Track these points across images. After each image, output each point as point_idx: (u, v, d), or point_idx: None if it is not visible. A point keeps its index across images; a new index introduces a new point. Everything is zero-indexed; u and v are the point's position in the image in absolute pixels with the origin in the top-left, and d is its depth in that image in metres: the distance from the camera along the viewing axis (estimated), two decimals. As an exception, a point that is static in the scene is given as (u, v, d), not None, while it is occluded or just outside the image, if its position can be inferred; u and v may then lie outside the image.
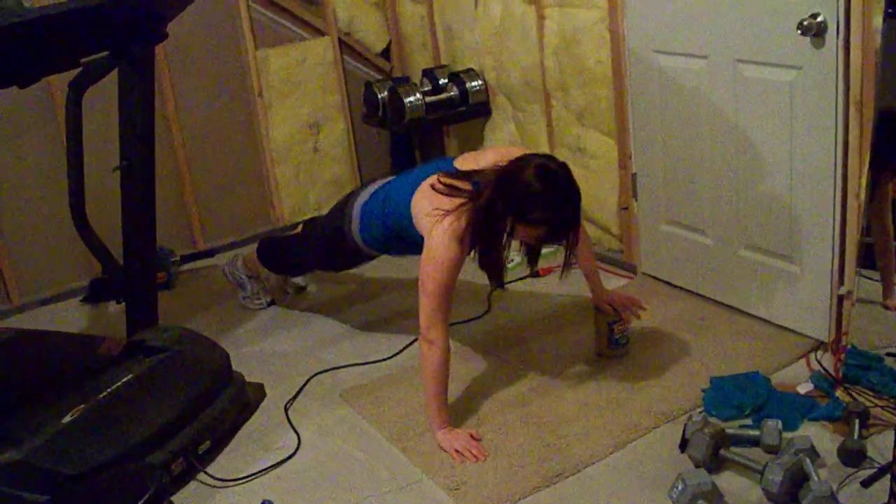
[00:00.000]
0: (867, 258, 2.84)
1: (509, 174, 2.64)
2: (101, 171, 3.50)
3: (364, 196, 3.13)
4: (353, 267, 3.59)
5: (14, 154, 3.94)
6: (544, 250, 3.30)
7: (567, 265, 2.77)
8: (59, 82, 3.80)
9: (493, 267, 2.78)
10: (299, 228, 3.73)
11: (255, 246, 3.79)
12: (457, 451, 2.64)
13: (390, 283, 3.96)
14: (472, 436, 2.71)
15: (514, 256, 3.59)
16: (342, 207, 3.21)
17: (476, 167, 2.80)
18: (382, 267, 4.06)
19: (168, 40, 3.12)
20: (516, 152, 2.79)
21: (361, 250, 3.19)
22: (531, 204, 2.59)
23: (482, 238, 2.71)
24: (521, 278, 3.74)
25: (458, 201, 2.70)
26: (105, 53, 3.01)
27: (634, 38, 3.34)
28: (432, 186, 2.77)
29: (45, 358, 3.17)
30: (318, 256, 3.49)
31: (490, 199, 2.64)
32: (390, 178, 3.16)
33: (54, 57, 2.88)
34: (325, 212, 4.67)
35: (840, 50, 2.62)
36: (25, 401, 2.75)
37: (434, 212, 2.70)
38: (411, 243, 2.88)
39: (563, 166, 2.65)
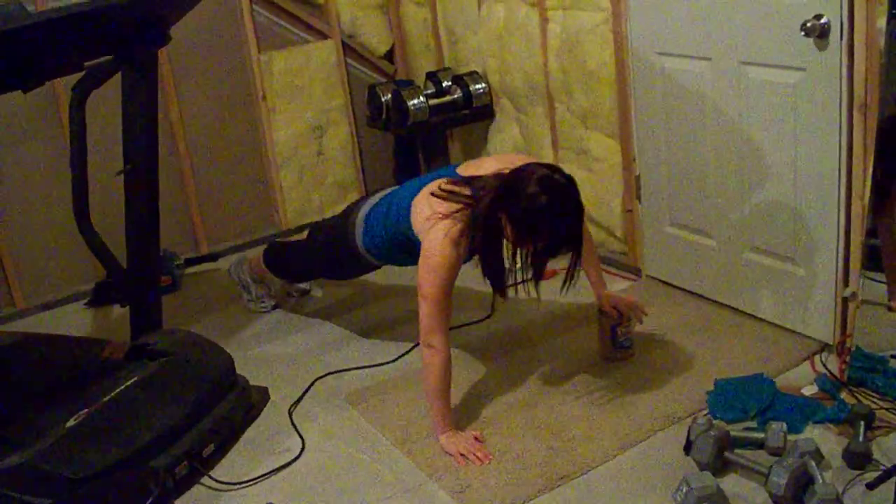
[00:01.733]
0: (872, 260, 2.84)
1: (513, 182, 2.60)
2: (105, 175, 3.50)
3: (370, 203, 3.13)
4: (355, 276, 3.56)
5: (18, 157, 3.95)
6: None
7: (570, 279, 2.74)
8: (63, 86, 3.81)
9: (494, 274, 2.73)
10: (305, 234, 3.73)
11: (261, 250, 3.78)
12: (461, 454, 2.64)
13: (394, 286, 3.95)
14: (475, 438, 2.71)
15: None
16: (347, 214, 3.21)
17: (478, 174, 2.78)
18: (386, 271, 4.06)
19: (171, 44, 3.12)
20: (520, 160, 2.76)
21: (363, 257, 3.16)
22: (533, 215, 2.54)
23: (482, 244, 2.67)
24: (522, 282, 3.69)
25: (455, 206, 2.68)
26: (109, 57, 3.02)
27: (638, 40, 3.34)
28: (431, 193, 2.76)
29: (49, 362, 3.17)
30: (321, 263, 3.48)
31: (490, 205, 2.61)
32: (396, 188, 3.15)
33: (58, 60, 2.88)
34: (329, 215, 4.70)
35: (844, 51, 2.62)
36: (29, 404, 2.76)
37: (431, 216, 2.70)
38: (412, 251, 2.84)
39: (569, 179, 2.61)
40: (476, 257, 2.75)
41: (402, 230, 2.88)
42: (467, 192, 2.70)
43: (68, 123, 3.25)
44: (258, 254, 3.78)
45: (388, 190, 3.16)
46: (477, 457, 2.62)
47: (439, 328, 2.66)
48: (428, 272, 2.66)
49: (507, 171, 2.68)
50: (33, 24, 2.40)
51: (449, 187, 2.74)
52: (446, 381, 2.70)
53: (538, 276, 2.69)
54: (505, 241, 2.68)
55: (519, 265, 2.72)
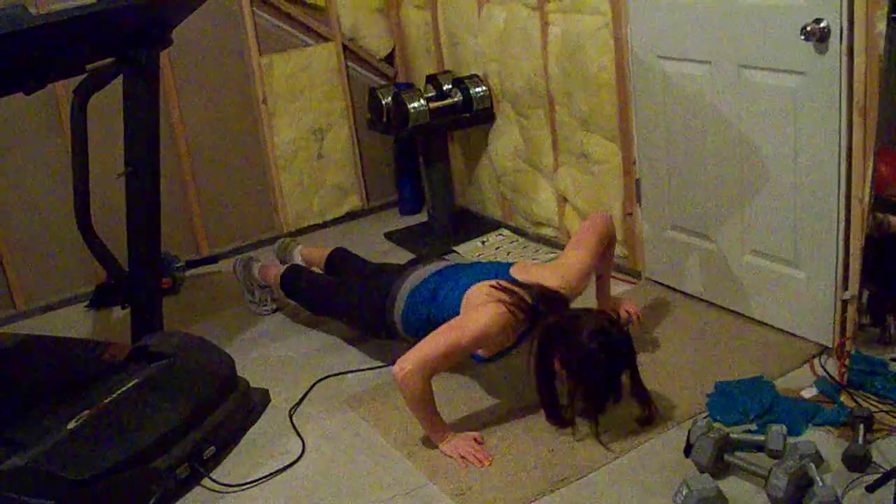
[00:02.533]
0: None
1: (568, 328, 2.62)
2: (107, 177, 3.51)
3: (414, 281, 3.06)
4: (371, 337, 3.41)
5: (19, 159, 3.95)
6: (548, 255, 3.25)
7: (649, 419, 2.72)
8: (65, 88, 3.82)
9: (546, 404, 2.73)
10: (325, 254, 3.70)
11: (277, 267, 3.74)
12: (461, 456, 2.64)
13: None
14: (475, 439, 2.71)
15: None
16: (389, 282, 3.13)
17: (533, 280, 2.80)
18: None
19: (173, 47, 3.13)
20: (572, 274, 2.84)
21: (394, 329, 3.11)
22: (586, 367, 2.58)
23: (535, 374, 2.69)
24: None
25: (514, 302, 2.69)
26: (110, 60, 3.02)
27: (638, 43, 3.35)
28: (491, 285, 2.75)
29: (50, 363, 3.18)
30: (343, 314, 3.40)
31: (543, 344, 2.64)
32: (441, 267, 3.11)
33: (60, 63, 2.89)
34: (329, 218, 4.70)
35: (844, 55, 2.62)
36: (30, 406, 2.76)
37: (489, 298, 2.70)
38: None
39: (625, 334, 2.65)
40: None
41: (445, 317, 2.81)
42: (528, 299, 2.71)
43: (70, 126, 3.26)
44: (276, 271, 3.69)
45: (438, 267, 3.12)
46: (477, 458, 2.62)
47: (424, 372, 2.62)
48: (463, 322, 2.67)
49: (563, 290, 2.76)
50: (36, 26, 2.40)
51: (511, 286, 2.74)
52: (428, 397, 2.67)
53: (590, 415, 2.68)
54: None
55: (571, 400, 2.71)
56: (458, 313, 2.79)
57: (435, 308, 2.91)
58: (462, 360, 2.80)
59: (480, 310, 2.68)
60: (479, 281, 2.83)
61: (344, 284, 3.43)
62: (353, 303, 3.28)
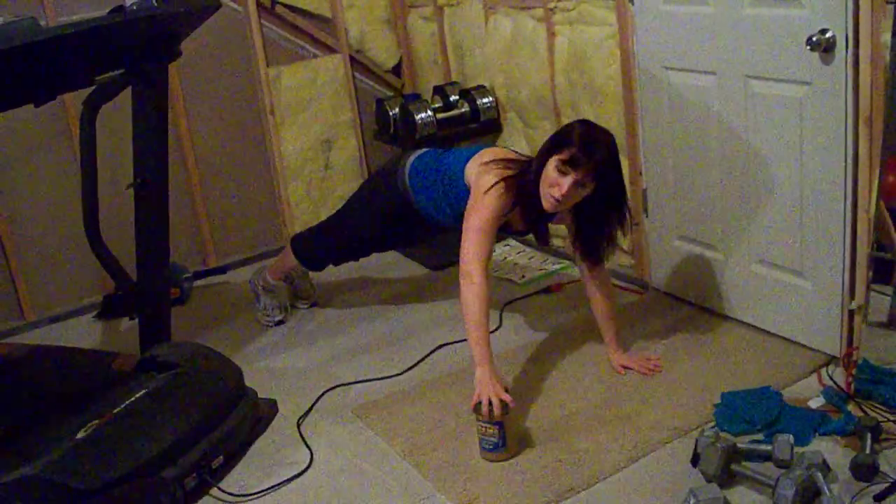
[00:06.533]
0: (878, 273, 2.85)
1: (557, 132, 2.90)
2: (115, 188, 3.52)
3: (415, 154, 3.35)
4: (391, 234, 3.60)
5: (29, 171, 3.97)
6: (554, 266, 3.28)
7: (625, 226, 3.01)
8: (74, 100, 3.84)
9: (537, 220, 3.01)
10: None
11: (285, 251, 3.79)
12: (479, 397, 2.67)
13: (402, 299, 3.97)
14: (506, 389, 2.72)
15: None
16: (392, 165, 3.42)
17: None
18: (394, 284, 4.08)
19: (181, 58, 3.14)
20: None
21: (408, 202, 3.31)
22: (567, 128, 2.83)
23: (531, 187, 2.86)
24: (532, 294, 3.72)
25: (515, 163, 2.96)
26: (120, 71, 3.04)
27: (644, 54, 3.36)
28: (494, 152, 3.05)
29: (58, 374, 3.19)
30: (368, 216, 3.54)
31: (541, 155, 2.85)
32: (438, 150, 3.37)
33: (69, 75, 2.90)
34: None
35: (849, 65, 2.63)
36: (39, 416, 2.77)
37: (491, 162, 2.95)
38: (454, 201, 3.13)
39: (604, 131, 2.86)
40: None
41: (452, 178, 3.12)
42: (525, 158, 3.03)
43: (79, 137, 3.27)
44: (287, 254, 3.76)
45: (428, 149, 3.39)
46: (495, 403, 2.63)
47: (478, 258, 2.81)
48: (477, 204, 2.87)
49: None
50: (47, 39, 2.42)
51: (511, 153, 3.08)
52: (483, 312, 2.77)
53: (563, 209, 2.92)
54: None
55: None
56: (461, 169, 3.07)
57: (441, 170, 3.19)
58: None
59: (482, 179, 2.90)
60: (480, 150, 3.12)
61: (348, 202, 3.67)
62: (364, 197, 3.58)
